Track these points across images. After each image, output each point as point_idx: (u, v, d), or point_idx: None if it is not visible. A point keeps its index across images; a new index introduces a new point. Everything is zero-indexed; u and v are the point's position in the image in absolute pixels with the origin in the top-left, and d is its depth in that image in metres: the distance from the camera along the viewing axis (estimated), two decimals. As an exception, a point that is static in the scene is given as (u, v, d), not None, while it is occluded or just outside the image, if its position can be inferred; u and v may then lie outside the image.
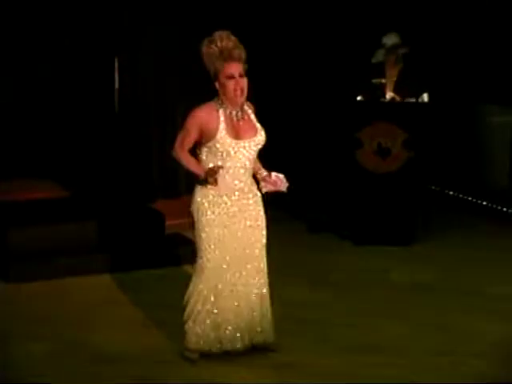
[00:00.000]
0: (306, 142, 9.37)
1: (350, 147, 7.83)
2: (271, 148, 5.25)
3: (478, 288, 6.51)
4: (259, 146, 4.95)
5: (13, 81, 8.61)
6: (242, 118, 4.92)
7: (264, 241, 5.06)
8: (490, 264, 7.19)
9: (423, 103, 7.88)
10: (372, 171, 7.76)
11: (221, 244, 4.91)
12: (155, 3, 8.43)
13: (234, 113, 4.90)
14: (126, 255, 7.00)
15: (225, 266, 4.93)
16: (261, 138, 4.94)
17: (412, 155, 7.72)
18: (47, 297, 6.25)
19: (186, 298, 4.98)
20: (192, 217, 4.97)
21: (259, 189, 5.03)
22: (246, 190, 4.96)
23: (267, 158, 5.24)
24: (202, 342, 4.95)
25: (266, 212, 5.06)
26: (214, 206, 4.90)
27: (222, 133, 4.83)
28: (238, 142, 4.86)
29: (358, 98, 7.89)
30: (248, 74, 4.88)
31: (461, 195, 9.48)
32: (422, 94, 7.84)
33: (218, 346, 4.98)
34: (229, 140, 4.83)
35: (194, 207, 4.94)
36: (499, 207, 8.97)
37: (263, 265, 5.05)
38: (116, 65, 8.49)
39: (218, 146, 4.84)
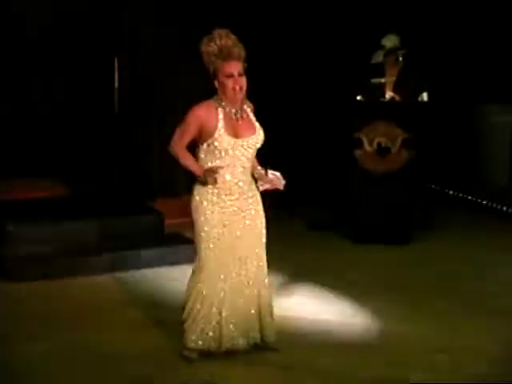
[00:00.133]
0: (306, 142, 9.37)
1: (349, 147, 7.83)
2: (271, 147, 5.26)
3: (478, 287, 6.52)
4: (258, 145, 4.95)
5: (13, 80, 8.62)
6: (241, 117, 4.92)
7: (263, 240, 5.06)
8: (490, 263, 7.20)
9: (423, 103, 7.90)
10: (372, 170, 7.77)
11: (220, 243, 4.91)
12: (155, 3, 8.44)
13: (232, 111, 4.90)
14: (126, 254, 7.00)
15: (224, 265, 4.92)
16: (259, 137, 4.94)
17: (412, 154, 7.73)
18: (47, 296, 6.25)
19: (185, 297, 4.98)
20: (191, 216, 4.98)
21: (257, 187, 5.04)
22: (245, 188, 4.96)
23: (267, 157, 5.24)
24: (201, 342, 4.95)
25: (265, 211, 5.06)
26: (213, 205, 4.90)
27: (221, 131, 4.83)
28: (237, 140, 4.86)
29: (358, 98, 7.90)
30: (248, 73, 4.88)
31: (461, 194, 9.49)
32: (421, 94, 7.85)
33: (218, 345, 4.97)
34: (227, 138, 4.83)
35: (193, 206, 4.94)
36: (499, 206, 8.98)
37: (263, 264, 5.05)
38: (116, 64, 8.49)
39: (216, 144, 4.84)
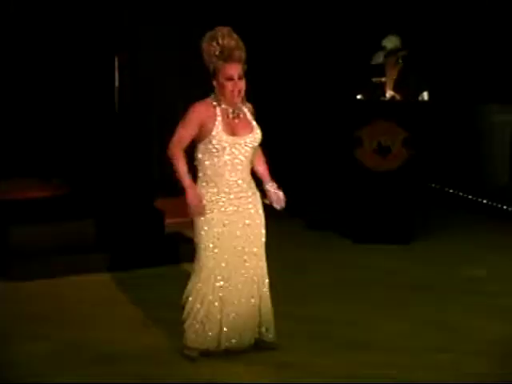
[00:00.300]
0: (306, 141, 9.37)
1: (350, 146, 7.83)
2: (271, 146, 5.26)
3: (477, 286, 6.52)
4: (255, 144, 4.95)
5: (13, 80, 8.60)
6: (238, 116, 4.93)
7: (263, 239, 5.06)
8: (490, 262, 7.20)
9: (423, 102, 7.89)
10: (372, 170, 7.77)
11: (220, 243, 4.91)
12: (155, 2, 8.44)
13: (230, 110, 4.91)
14: (126, 254, 7.01)
15: (224, 265, 4.92)
16: (257, 135, 4.95)
17: (412, 154, 7.73)
18: (47, 296, 6.25)
19: (184, 296, 4.98)
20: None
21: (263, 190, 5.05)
22: (244, 187, 4.96)
23: (268, 156, 5.24)
24: (201, 341, 4.95)
25: (264, 210, 5.06)
26: (212, 204, 4.90)
27: (219, 128, 4.83)
28: (234, 138, 4.86)
29: (358, 97, 7.90)
30: (248, 72, 4.89)
31: (461, 193, 9.48)
32: (421, 93, 7.85)
33: (217, 344, 4.97)
34: (225, 137, 4.84)
35: (193, 206, 4.95)
36: (499, 205, 8.97)
37: (263, 263, 5.05)
38: (116, 64, 8.49)
39: (214, 142, 4.84)
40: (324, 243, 7.79)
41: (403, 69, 7.92)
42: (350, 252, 7.52)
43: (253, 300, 5.02)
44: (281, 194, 5.08)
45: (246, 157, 4.93)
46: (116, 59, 8.48)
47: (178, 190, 5.01)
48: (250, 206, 4.99)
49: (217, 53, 4.81)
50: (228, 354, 4.98)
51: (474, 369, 4.91)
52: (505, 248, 7.60)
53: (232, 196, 4.92)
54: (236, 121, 4.91)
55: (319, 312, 5.87)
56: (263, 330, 5.07)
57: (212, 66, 4.85)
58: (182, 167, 4.88)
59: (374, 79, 7.92)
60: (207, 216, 4.89)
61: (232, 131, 4.87)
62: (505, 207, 8.89)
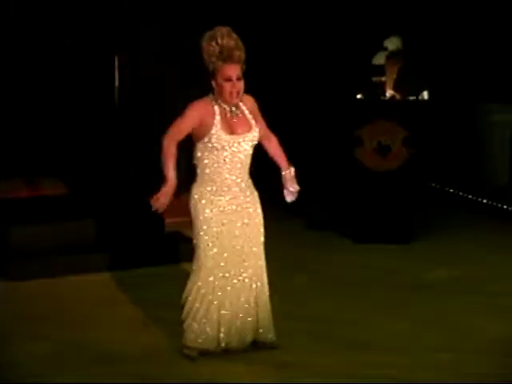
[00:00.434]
0: (306, 140, 9.36)
1: (350, 145, 7.83)
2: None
3: (478, 285, 6.51)
4: (254, 142, 4.96)
5: (13, 80, 8.60)
6: (236, 115, 4.93)
7: (262, 238, 5.06)
8: (490, 261, 7.19)
9: (423, 101, 7.89)
10: (372, 169, 7.77)
11: (219, 242, 4.91)
12: (154, 2, 8.43)
13: (227, 109, 4.91)
14: (126, 253, 7.00)
15: (223, 264, 4.92)
16: (255, 133, 4.95)
17: (412, 153, 7.72)
18: (47, 295, 6.25)
19: (184, 295, 4.98)
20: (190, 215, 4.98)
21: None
22: (243, 186, 4.97)
23: (267, 156, 5.24)
24: (200, 340, 4.95)
25: (263, 209, 5.06)
26: (211, 204, 4.90)
27: (217, 127, 4.84)
28: (233, 137, 4.87)
29: (358, 96, 7.89)
30: (248, 71, 4.89)
31: (461, 193, 9.48)
32: (422, 92, 7.84)
33: (217, 343, 4.97)
34: (224, 135, 4.84)
35: (192, 205, 4.95)
36: (499, 205, 8.97)
37: (262, 262, 5.05)
38: (116, 63, 8.48)
39: (213, 140, 4.84)
40: (324, 243, 7.79)
41: (403, 68, 7.91)
42: (350, 252, 7.51)
43: (252, 299, 5.02)
44: (295, 186, 5.15)
45: (245, 155, 4.93)
46: (116, 59, 8.48)
47: (178, 190, 5.00)
48: (249, 205, 4.99)
49: (216, 53, 4.82)
50: (228, 353, 4.99)
51: (474, 369, 4.91)
52: (505, 248, 7.60)
53: (231, 195, 4.92)
54: (235, 119, 4.92)
55: (319, 312, 5.87)
56: (262, 329, 5.07)
57: (211, 66, 4.86)
58: (169, 158, 4.88)
59: (374, 78, 7.91)
60: (206, 215, 4.89)
61: (231, 130, 4.87)
62: (505, 207, 8.89)
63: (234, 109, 4.92)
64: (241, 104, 4.97)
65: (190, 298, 4.94)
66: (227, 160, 4.87)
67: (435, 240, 7.85)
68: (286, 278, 6.50)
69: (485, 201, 9.12)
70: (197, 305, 4.92)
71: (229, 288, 4.94)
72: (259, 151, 5.07)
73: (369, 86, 7.93)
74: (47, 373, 4.84)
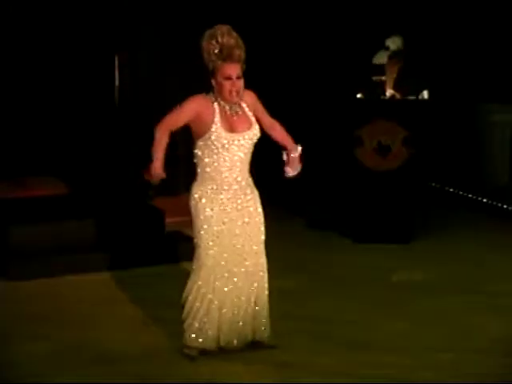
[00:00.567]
0: (306, 140, 9.34)
1: (350, 145, 7.82)
2: (271, 145, 5.25)
3: (478, 285, 6.51)
4: (254, 140, 4.96)
5: (14, 80, 8.60)
6: (236, 112, 4.93)
7: (262, 237, 5.06)
8: (490, 261, 7.19)
9: (423, 101, 7.89)
10: (372, 169, 7.76)
11: (219, 241, 4.91)
12: (154, 2, 8.43)
13: (227, 107, 4.91)
14: (126, 253, 7.00)
15: (223, 263, 4.93)
16: (255, 131, 4.95)
17: (412, 153, 7.72)
18: (47, 295, 6.25)
19: (184, 295, 4.98)
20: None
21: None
22: (243, 184, 4.97)
23: (268, 155, 5.24)
24: (201, 340, 4.95)
25: (263, 209, 5.06)
26: (211, 202, 4.90)
27: (217, 125, 4.84)
28: (233, 135, 4.87)
29: (358, 96, 7.89)
30: (248, 70, 4.89)
31: (461, 192, 9.48)
32: (422, 92, 7.84)
33: (217, 343, 4.97)
34: (224, 133, 4.84)
35: (192, 204, 4.94)
36: (499, 204, 8.97)
37: (262, 261, 5.05)
38: (116, 63, 8.48)
39: (212, 138, 4.84)
40: (324, 243, 7.79)
41: (403, 67, 7.91)
42: (350, 252, 7.51)
43: (252, 298, 5.02)
44: (297, 162, 5.14)
45: (244, 153, 4.93)
46: (116, 58, 8.48)
47: (178, 189, 5.01)
48: (249, 204, 4.99)
49: (216, 51, 4.82)
50: (228, 353, 4.99)
51: (474, 369, 4.91)
52: (505, 247, 7.60)
53: (231, 194, 4.92)
54: (234, 117, 4.92)
55: (319, 312, 5.87)
56: (262, 328, 5.07)
57: (211, 64, 4.86)
58: (160, 141, 4.85)
59: (374, 78, 7.91)
60: (207, 214, 4.89)
61: (231, 128, 4.87)
62: (505, 206, 8.88)
63: (233, 107, 4.91)
64: (241, 102, 4.97)
65: (190, 298, 4.94)
66: (227, 158, 4.88)
67: (435, 240, 7.84)
68: (286, 277, 6.49)
69: (485, 200, 9.12)
70: (197, 304, 4.92)
71: (229, 287, 4.94)
72: (259, 151, 5.06)
73: (369, 86, 7.92)
74: (47, 373, 4.84)
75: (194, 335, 4.95)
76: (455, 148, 9.68)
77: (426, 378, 4.77)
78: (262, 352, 5.05)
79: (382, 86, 7.88)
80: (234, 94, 4.85)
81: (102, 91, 8.62)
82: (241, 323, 5.00)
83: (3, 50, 8.53)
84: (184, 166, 5.07)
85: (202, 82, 5.15)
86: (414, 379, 4.75)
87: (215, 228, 4.90)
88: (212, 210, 4.90)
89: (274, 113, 5.26)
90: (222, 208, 4.91)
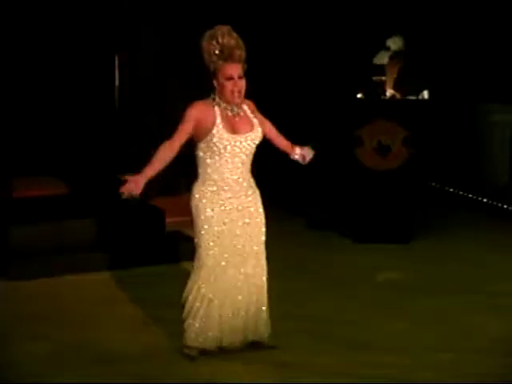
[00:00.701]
0: (306, 140, 9.34)
1: (350, 145, 7.82)
2: (271, 145, 5.25)
3: (478, 285, 6.51)
4: (256, 142, 4.95)
5: (14, 80, 8.61)
6: (238, 114, 4.93)
7: (263, 238, 5.06)
8: (490, 261, 7.19)
9: (423, 101, 7.89)
10: (372, 169, 7.76)
11: (220, 241, 4.91)
12: (154, 2, 8.43)
13: (229, 108, 4.91)
14: (126, 252, 7.01)
15: (224, 263, 4.92)
16: (257, 133, 4.95)
17: (412, 153, 7.72)
18: (47, 295, 6.24)
19: (184, 295, 4.98)
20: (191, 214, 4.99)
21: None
22: (244, 185, 4.96)
23: (267, 155, 5.23)
24: (201, 340, 4.95)
25: (264, 209, 5.06)
26: (212, 203, 4.90)
27: (219, 127, 4.83)
28: (235, 136, 4.86)
29: (358, 96, 7.89)
30: (249, 70, 4.89)
31: (461, 192, 9.48)
32: (422, 92, 7.84)
33: (217, 343, 4.97)
34: (226, 135, 4.83)
35: (193, 205, 4.94)
36: (499, 204, 8.97)
37: (263, 262, 5.05)
38: (116, 63, 8.49)
39: (214, 140, 4.84)
40: (324, 243, 7.79)
41: (403, 67, 7.91)
42: (350, 252, 7.51)
43: (252, 298, 5.02)
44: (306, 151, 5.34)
45: (246, 155, 4.92)
46: (116, 58, 8.48)
47: (178, 189, 5.01)
48: (250, 204, 4.99)
49: (217, 52, 4.82)
50: (228, 353, 4.99)
51: (474, 369, 4.91)
52: (505, 247, 7.60)
53: (232, 194, 4.92)
54: (236, 119, 4.91)
55: (319, 312, 5.87)
56: (261, 328, 5.07)
57: (212, 65, 4.85)
58: (159, 159, 4.80)
59: (374, 78, 7.91)
60: (207, 214, 4.89)
61: (232, 129, 4.87)
62: (505, 206, 8.89)
63: (234, 108, 4.91)
64: (242, 104, 4.96)
65: (190, 298, 4.94)
66: (229, 159, 4.87)
67: (435, 240, 7.84)
68: (287, 277, 6.49)
69: (485, 200, 9.12)
70: (197, 304, 4.92)
71: (229, 287, 4.94)
72: (259, 151, 5.06)
73: (369, 86, 7.92)
74: (47, 373, 4.84)
75: (194, 335, 4.95)
76: (455, 148, 9.68)
77: (426, 378, 4.77)
78: (262, 352, 5.06)
79: (382, 86, 7.88)
80: (236, 94, 4.84)
81: (102, 91, 8.62)
82: (241, 323, 5.00)
83: (3, 50, 8.53)
84: (184, 166, 5.05)
85: (202, 81, 5.15)
86: (414, 379, 4.75)
87: (216, 228, 4.90)
88: (213, 210, 4.90)
89: (274, 113, 5.26)
90: (222, 208, 4.91)
